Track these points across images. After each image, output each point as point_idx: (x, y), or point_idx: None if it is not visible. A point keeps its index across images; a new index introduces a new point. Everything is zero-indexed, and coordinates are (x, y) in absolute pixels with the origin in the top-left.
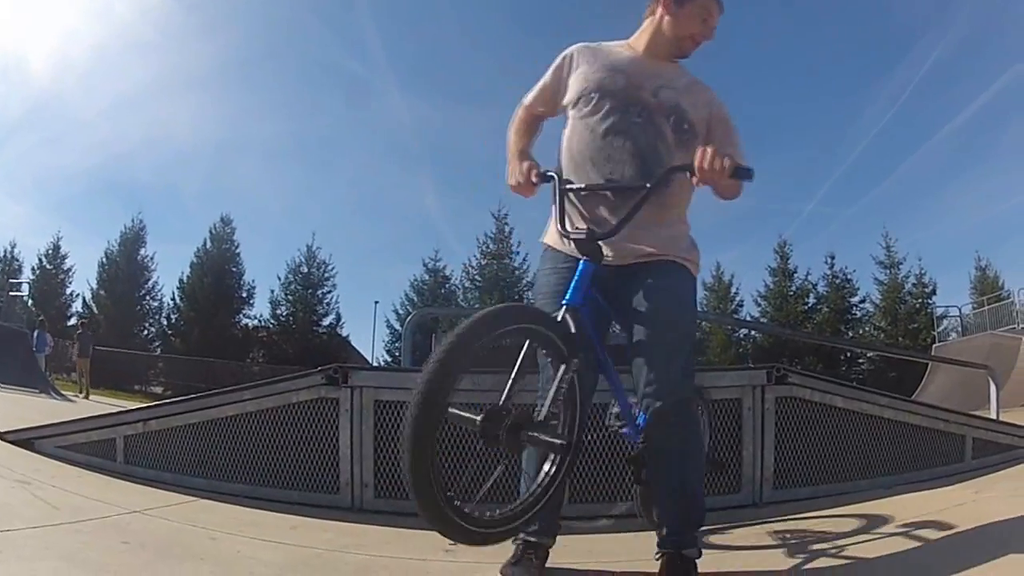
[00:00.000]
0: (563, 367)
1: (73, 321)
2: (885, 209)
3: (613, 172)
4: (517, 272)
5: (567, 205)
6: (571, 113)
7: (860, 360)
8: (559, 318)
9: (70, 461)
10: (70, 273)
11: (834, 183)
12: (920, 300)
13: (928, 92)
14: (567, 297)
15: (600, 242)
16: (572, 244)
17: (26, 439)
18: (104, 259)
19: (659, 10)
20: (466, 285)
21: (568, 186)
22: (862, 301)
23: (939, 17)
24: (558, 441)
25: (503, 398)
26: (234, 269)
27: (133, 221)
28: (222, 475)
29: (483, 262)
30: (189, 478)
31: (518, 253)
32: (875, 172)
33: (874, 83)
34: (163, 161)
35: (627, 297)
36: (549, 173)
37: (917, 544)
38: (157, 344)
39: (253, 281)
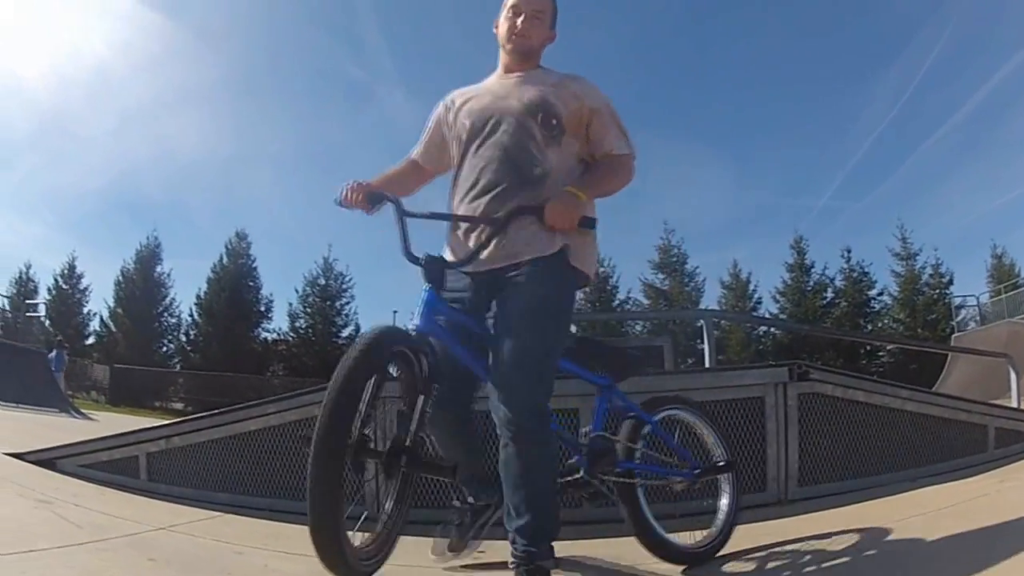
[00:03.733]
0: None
1: (91, 340)
2: (898, 200)
3: (481, 181)
4: None
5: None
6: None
7: (880, 354)
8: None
9: (92, 479)
10: (86, 292)
11: (846, 176)
12: (937, 291)
13: (934, 82)
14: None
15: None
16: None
17: (48, 459)
18: (120, 277)
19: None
20: None
21: (409, 212)
22: (880, 294)
23: (939, 7)
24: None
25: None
26: (251, 283)
27: (148, 238)
28: (245, 489)
29: None
30: (212, 493)
31: None
32: (886, 163)
33: (879, 75)
34: (173, 177)
35: (495, 302)
36: (387, 198)
37: (942, 536)
38: (176, 360)
39: (271, 295)
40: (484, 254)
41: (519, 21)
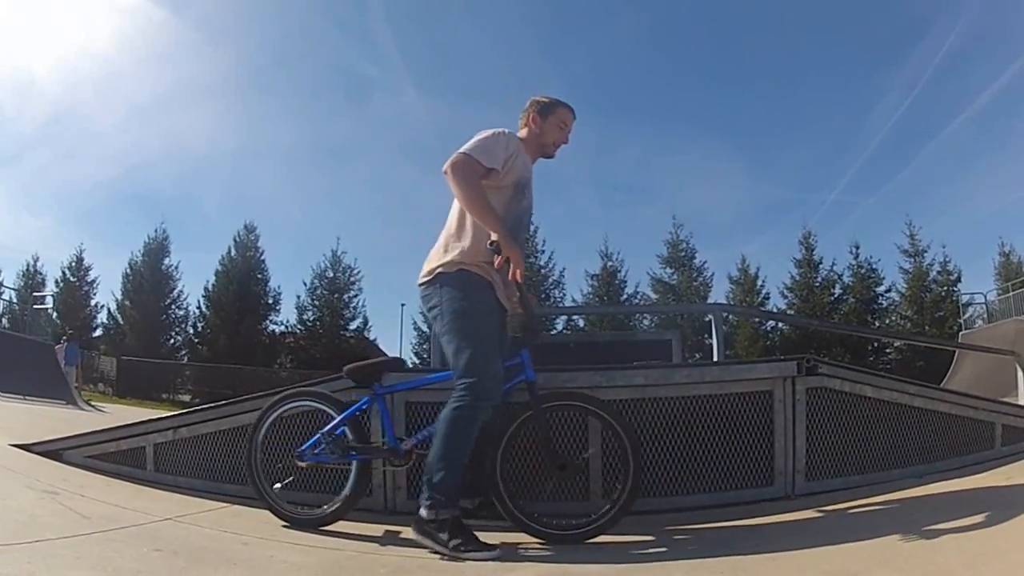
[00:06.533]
0: None
1: (99, 332)
2: (907, 197)
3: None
4: (543, 271)
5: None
6: (503, 188)
7: (887, 350)
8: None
9: (98, 471)
10: (94, 285)
11: (856, 172)
12: (945, 288)
13: (945, 77)
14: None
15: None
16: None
17: (54, 450)
18: (128, 270)
19: (531, 124)
20: None
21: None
22: (888, 290)
23: (951, 1)
24: None
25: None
26: (259, 276)
27: (156, 231)
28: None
29: None
30: (220, 484)
31: (543, 252)
32: (896, 160)
33: (890, 70)
34: (182, 170)
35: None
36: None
37: (950, 532)
38: (184, 353)
39: (279, 287)
40: None
41: (564, 134)
